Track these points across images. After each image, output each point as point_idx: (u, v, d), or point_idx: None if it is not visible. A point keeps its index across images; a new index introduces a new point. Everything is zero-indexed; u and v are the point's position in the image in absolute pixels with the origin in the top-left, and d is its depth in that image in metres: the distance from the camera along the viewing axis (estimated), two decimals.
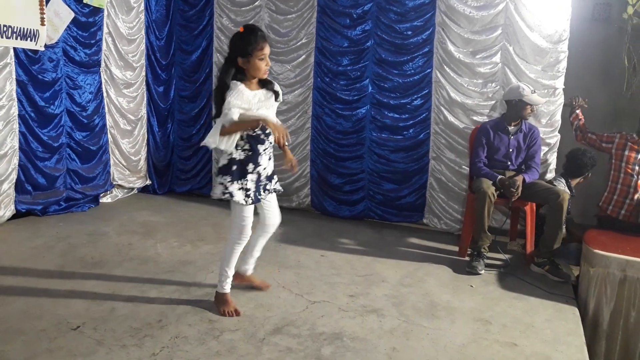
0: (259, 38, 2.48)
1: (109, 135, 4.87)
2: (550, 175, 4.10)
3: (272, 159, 2.74)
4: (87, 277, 3.15)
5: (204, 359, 2.33)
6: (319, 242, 4.04)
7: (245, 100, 2.49)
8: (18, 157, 4.08)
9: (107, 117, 4.82)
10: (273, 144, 2.65)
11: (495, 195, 3.58)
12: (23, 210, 4.16)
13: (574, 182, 4.01)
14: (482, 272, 3.54)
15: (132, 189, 5.24)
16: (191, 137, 5.35)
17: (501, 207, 4.01)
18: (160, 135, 5.36)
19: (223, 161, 2.60)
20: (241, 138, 2.55)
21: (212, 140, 2.50)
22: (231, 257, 2.70)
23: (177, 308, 2.79)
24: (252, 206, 2.65)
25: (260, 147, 2.60)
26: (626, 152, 3.82)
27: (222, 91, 2.48)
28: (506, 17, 4.10)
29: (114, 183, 4.98)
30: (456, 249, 3.97)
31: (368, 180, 4.70)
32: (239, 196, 2.56)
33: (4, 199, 4.01)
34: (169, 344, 2.42)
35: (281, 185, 2.87)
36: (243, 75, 2.52)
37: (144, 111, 5.19)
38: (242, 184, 2.58)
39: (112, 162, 4.92)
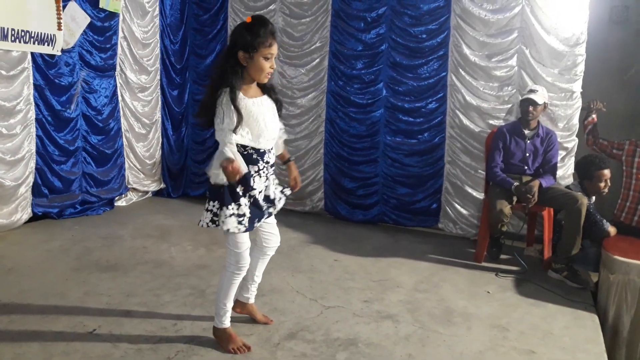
0: (269, 33, 2.13)
1: (124, 139, 4.90)
2: (567, 181, 4.04)
3: (272, 179, 2.39)
4: (102, 280, 3.17)
5: None
6: (333, 247, 4.02)
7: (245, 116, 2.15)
8: (35, 161, 4.12)
9: (122, 120, 4.85)
10: (271, 163, 2.34)
11: (510, 213, 3.58)
12: (39, 213, 4.21)
13: (591, 187, 3.91)
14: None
15: (147, 192, 5.27)
16: (205, 140, 5.37)
17: (518, 212, 3.96)
18: (174, 139, 5.39)
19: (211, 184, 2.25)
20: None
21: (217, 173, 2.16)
22: (229, 288, 2.38)
23: (192, 312, 2.79)
24: (247, 232, 2.31)
25: (252, 168, 2.24)
26: (636, 159, 3.77)
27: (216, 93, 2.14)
28: (522, 20, 4.06)
29: (129, 186, 5.02)
30: (472, 254, 3.93)
31: (382, 184, 4.67)
32: (230, 224, 2.20)
33: (21, 202, 4.05)
34: (184, 348, 2.42)
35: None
36: (240, 77, 2.16)
37: (158, 115, 5.23)
38: (232, 209, 2.20)
39: (127, 165, 4.96)
